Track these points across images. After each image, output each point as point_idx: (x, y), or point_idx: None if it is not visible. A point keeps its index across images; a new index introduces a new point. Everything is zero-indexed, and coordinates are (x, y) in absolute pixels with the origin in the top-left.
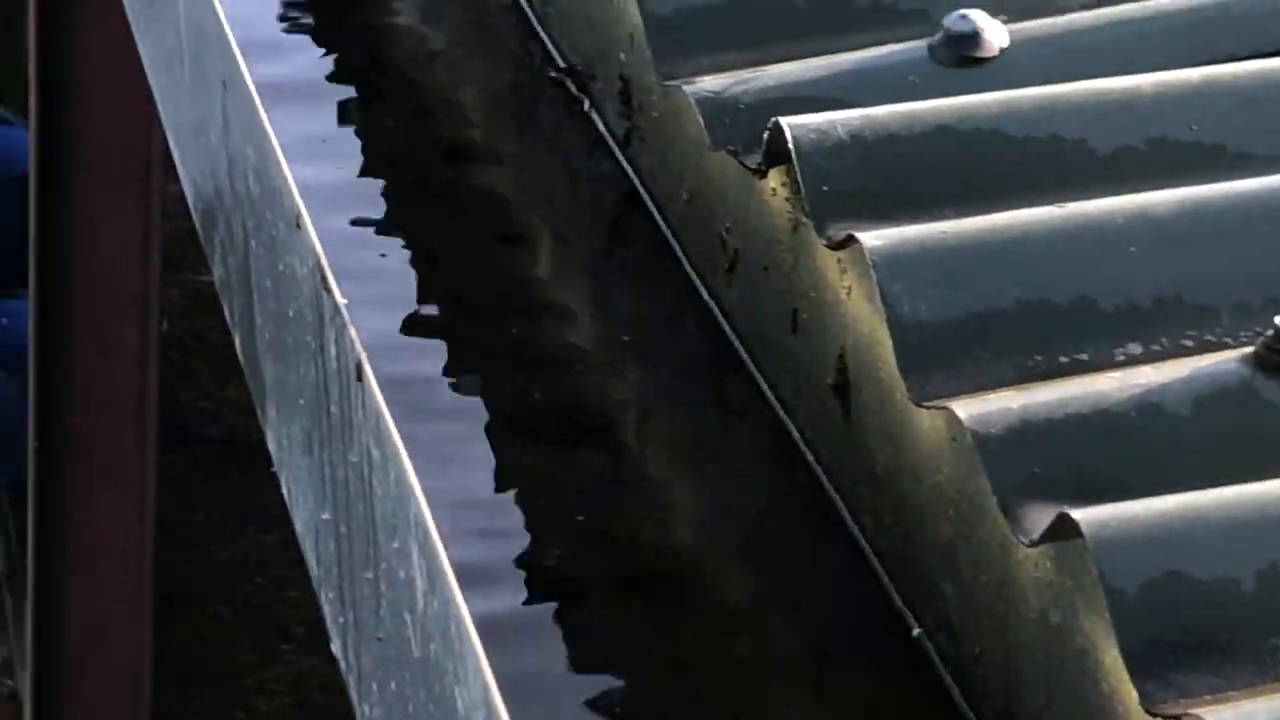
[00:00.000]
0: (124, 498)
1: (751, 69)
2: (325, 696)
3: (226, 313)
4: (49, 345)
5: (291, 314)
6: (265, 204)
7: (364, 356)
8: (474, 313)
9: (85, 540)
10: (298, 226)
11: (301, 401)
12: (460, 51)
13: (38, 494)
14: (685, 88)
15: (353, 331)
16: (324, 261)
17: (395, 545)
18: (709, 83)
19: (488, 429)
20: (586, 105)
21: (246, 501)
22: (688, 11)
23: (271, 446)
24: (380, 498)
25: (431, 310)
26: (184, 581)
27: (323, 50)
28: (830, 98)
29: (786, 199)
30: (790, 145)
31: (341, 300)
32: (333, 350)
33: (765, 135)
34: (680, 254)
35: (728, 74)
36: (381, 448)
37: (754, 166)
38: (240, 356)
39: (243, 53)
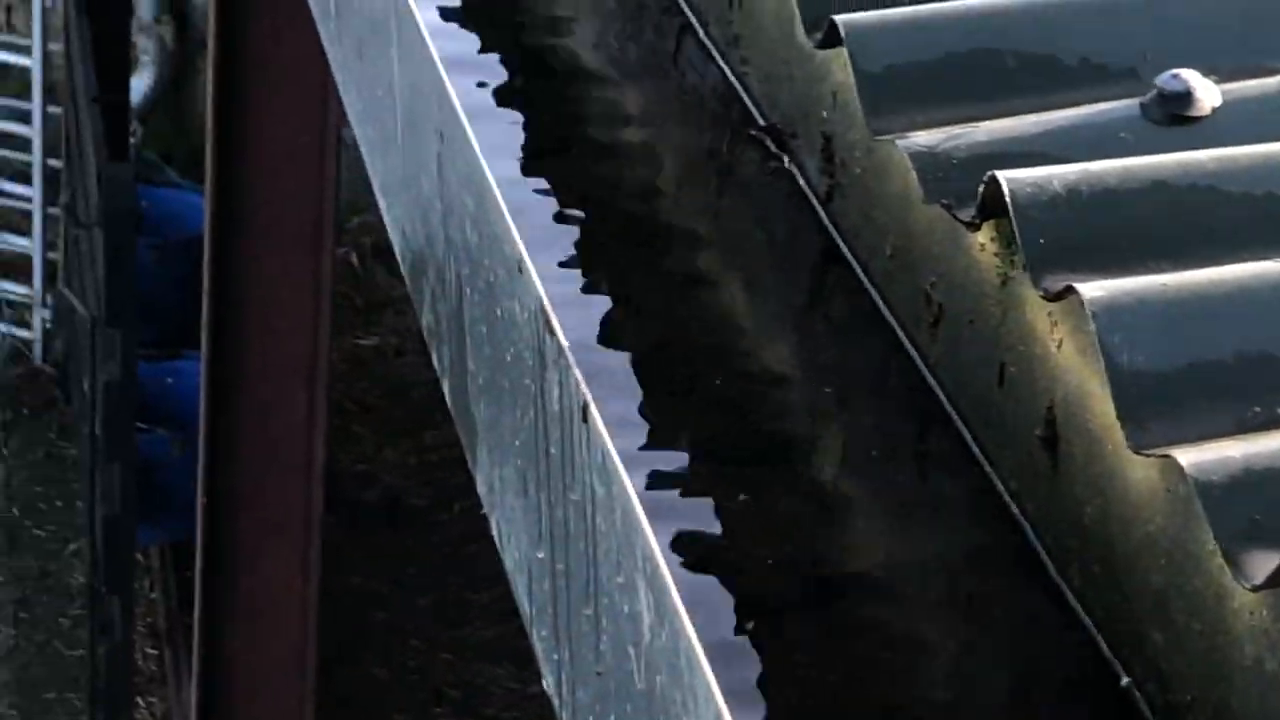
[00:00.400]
0: (289, 556)
1: (963, 125)
2: None
3: (435, 359)
4: (219, 404)
5: (509, 358)
6: (483, 251)
7: (589, 397)
8: (674, 361)
9: (250, 597)
10: (520, 271)
11: (517, 443)
12: (657, 109)
13: (205, 551)
14: (898, 143)
15: (577, 372)
16: (548, 305)
17: (620, 580)
18: (921, 138)
19: (688, 473)
20: (786, 162)
21: (402, 565)
22: (899, 69)
23: (481, 489)
24: (604, 534)
25: (632, 358)
26: (341, 643)
27: (515, 110)
28: (1042, 154)
29: (996, 253)
30: (1006, 198)
31: (565, 342)
32: (555, 392)
33: (980, 189)
34: (882, 308)
35: (939, 130)
36: (607, 485)
37: (967, 220)
38: (449, 402)
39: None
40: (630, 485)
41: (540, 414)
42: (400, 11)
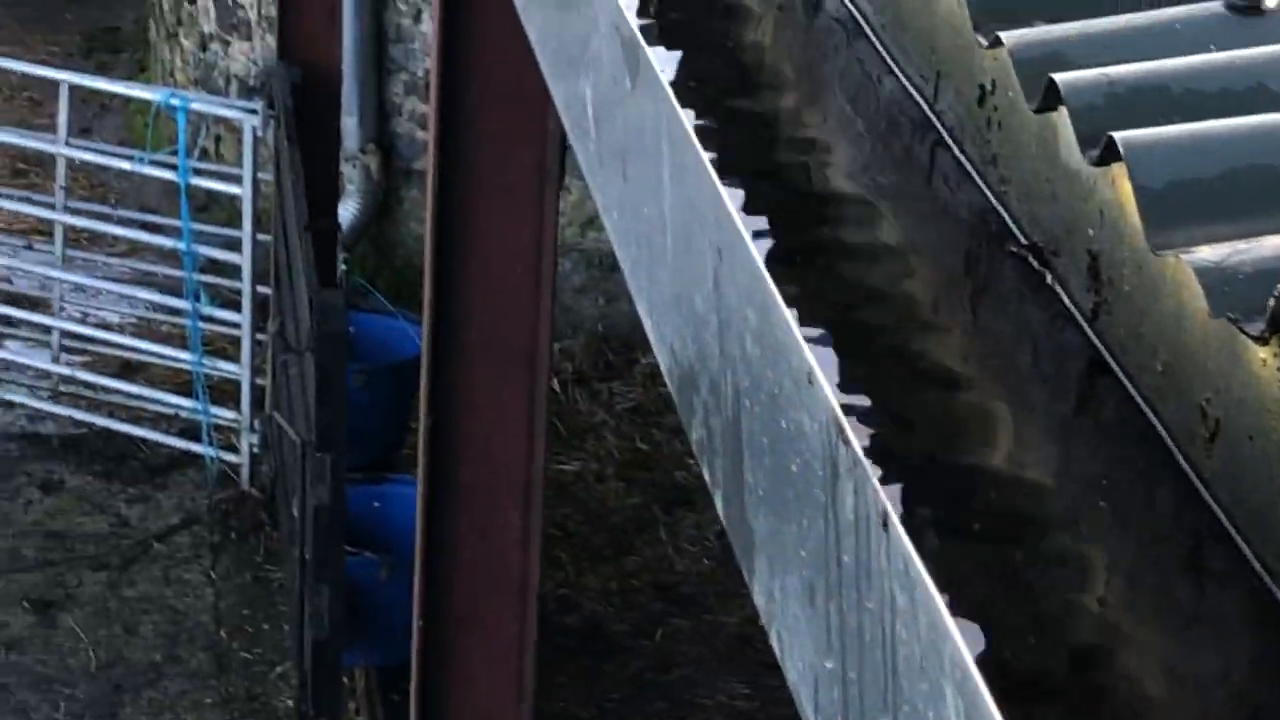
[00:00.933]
0: (503, 678)
1: (1245, 239)
2: None
3: (706, 474)
4: (435, 527)
5: (794, 469)
6: (766, 363)
7: (889, 506)
8: (943, 474)
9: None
10: (810, 382)
11: (803, 554)
12: (913, 226)
13: (420, 673)
14: (1182, 257)
15: (875, 482)
16: (841, 415)
17: (924, 688)
18: (1204, 253)
19: (959, 587)
20: (1048, 279)
21: (604, 690)
22: (1180, 185)
23: (759, 600)
24: (904, 641)
25: (905, 468)
26: None
27: (777, 228)
28: None
29: (1279, 369)
30: None
31: (860, 451)
32: (849, 501)
33: (1270, 303)
34: (1153, 423)
35: (1222, 244)
36: (909, 592)
37: (1256, 334)
38: (722, 515)
39: None
40: (935, 592)
41: (831, 524)
42: (672, 132)
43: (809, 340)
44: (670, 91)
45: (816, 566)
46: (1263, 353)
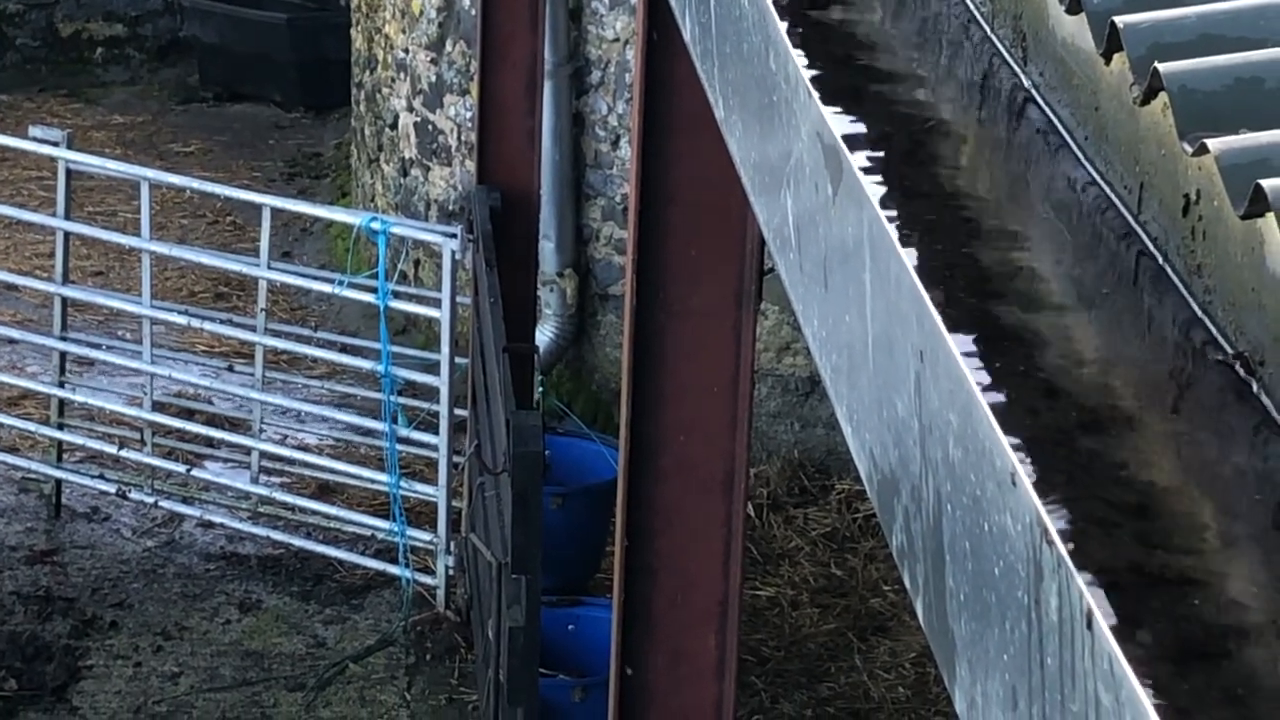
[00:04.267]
0: None
1: None
2: None
3: (907, 580)
4: (629, 650)
5: (997, 572)
6: (969, 467)
7: (1094, 604)
8: (1150, 580)
9: None
10: (1013, 484)
11: (1005, 658)
12: (1117, 336)
13: None
14: None
15: (1080, 581)
16: (1045, 515)
17: None
18: None
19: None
20: (1255, 388)
21: None
22: None
23: (960, 705)
24: None
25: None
26: None
27: (978, 331)
28: None
29: None
30: None
31: (1065, 552)
32: (1053, 602)
33: None
34: None
35: None
36: (1114, 692)
37: None
38: (922, 620)
39: None
40: (1140, 690)
41: (1034, 626)
42: (874, 237)
43: (1012, 444)
44: (872, 196)
45: (1019, 670)
46: None
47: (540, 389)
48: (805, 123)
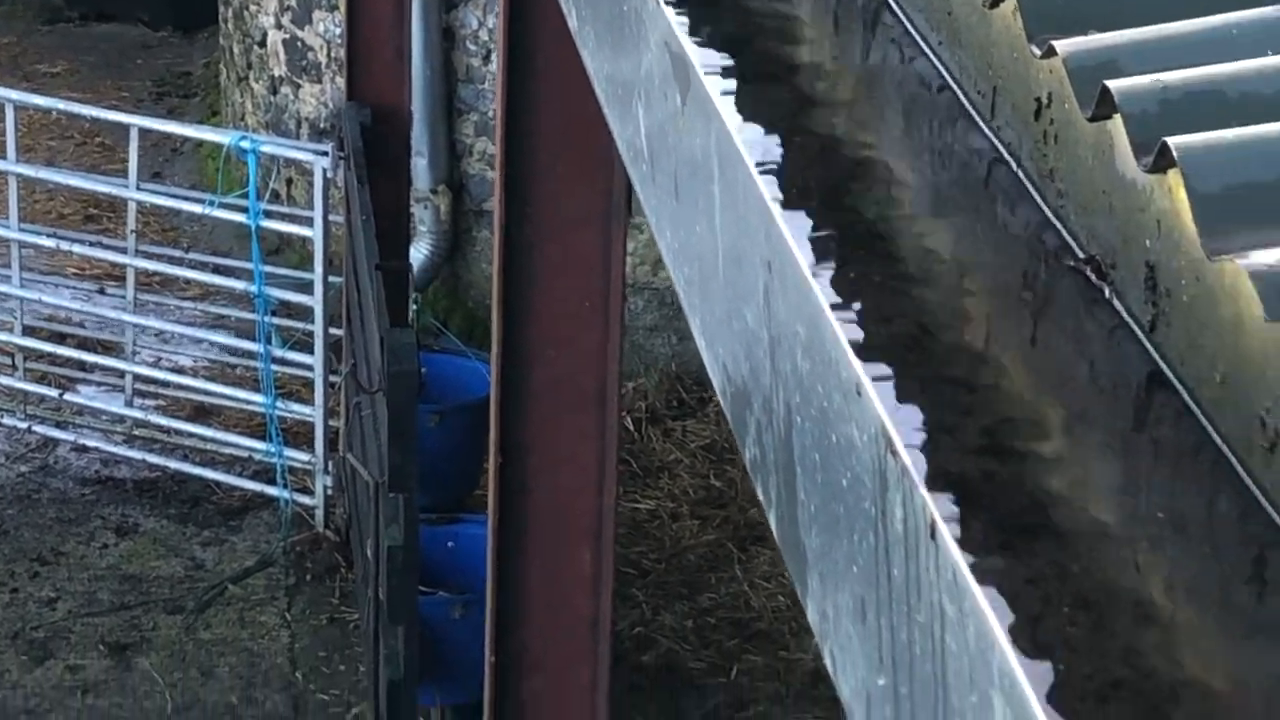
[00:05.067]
0: (578, 716)
1: None
2: None
3: (760, 492)
4: (506, 566)
5: (845, 483)
6: (816, 378)
7: (937, 515)
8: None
9: None
10: (858, 394)
11: (854, 569)
12: (969, 242)
13: (493, 712)
14: (1238, 262)
15: (924, 491)
16: (889, 425)
17: (973, 699)
18: (1260, 257)
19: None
20: (1107, 293)
21: None
22: (1235, 189)
23: (813, 618)
24: (954, 654)
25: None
26: None
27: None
28: None
29: None
30: None
31: (909, 461)
32: (898, 513)
33: None
34: (1212, 435)
35: (1278, 249)
36: (958, 603)
37: None
38: (776, 534)
39: None
40: (984, 600)
41: (880, 537)
42: (721, 147)
43: (858, 354)
44: (720, 106)
45: (867, 582)
46: None
47: (415, 306)
48: (654, 32)
